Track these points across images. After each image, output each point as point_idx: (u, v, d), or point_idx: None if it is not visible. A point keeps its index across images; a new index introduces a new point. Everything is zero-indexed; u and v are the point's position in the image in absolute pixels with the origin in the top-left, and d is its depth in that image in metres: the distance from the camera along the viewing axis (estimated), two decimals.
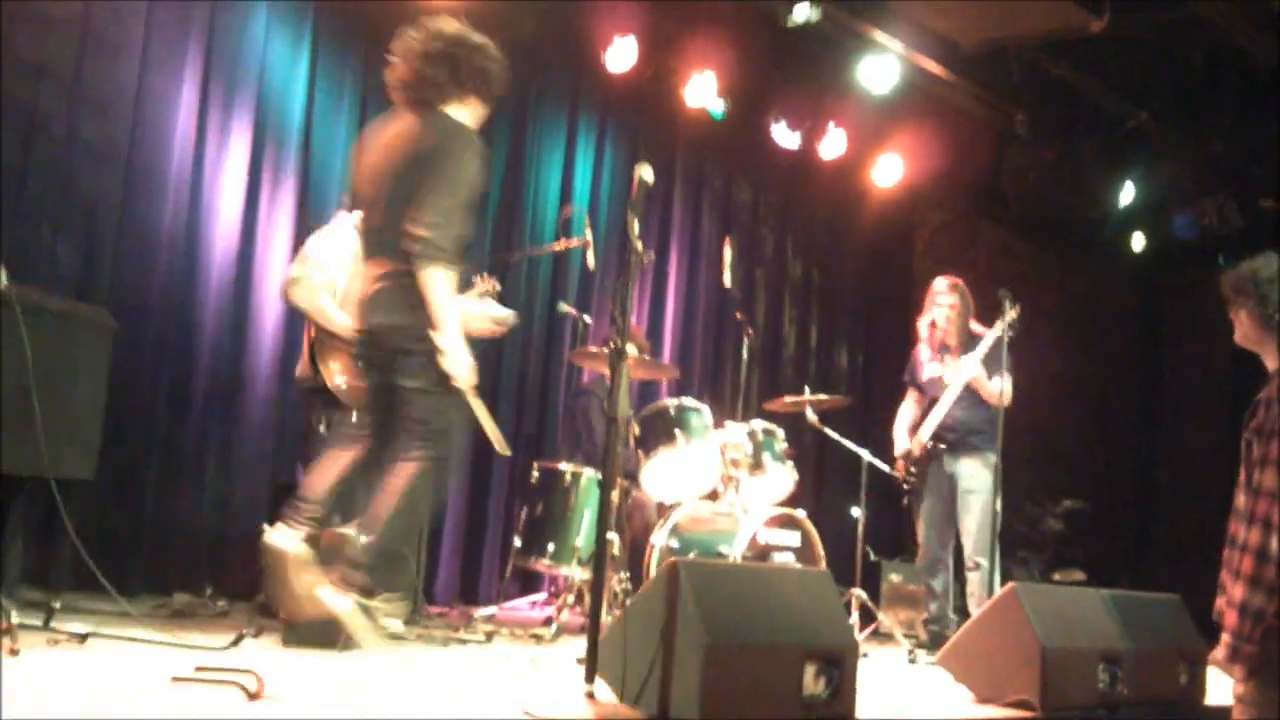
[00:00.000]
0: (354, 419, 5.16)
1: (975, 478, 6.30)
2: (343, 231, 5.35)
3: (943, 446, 6.39)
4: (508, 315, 5.29)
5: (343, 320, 5.18)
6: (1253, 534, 3.34)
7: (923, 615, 6.72)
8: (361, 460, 4.45)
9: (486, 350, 7.27)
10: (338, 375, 5.18)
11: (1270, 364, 3.63)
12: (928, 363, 6.62)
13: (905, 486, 6.53)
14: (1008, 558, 6.49)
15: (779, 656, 3.68)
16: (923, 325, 6.68)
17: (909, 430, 6.63)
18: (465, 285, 5.76)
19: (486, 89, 4.46)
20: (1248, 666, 3.42)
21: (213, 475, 6.19)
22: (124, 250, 5.86)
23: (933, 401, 6.51)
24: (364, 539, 4.20)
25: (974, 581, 6.27)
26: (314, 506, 4.31)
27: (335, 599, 4.15)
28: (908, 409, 6.73)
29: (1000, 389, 6.17)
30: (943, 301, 6.55)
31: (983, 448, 6.24)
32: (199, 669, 3.32)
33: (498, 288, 5.75)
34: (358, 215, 4.70)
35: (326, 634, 4.49)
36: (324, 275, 5.21)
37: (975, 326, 6.53)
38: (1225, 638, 3.39)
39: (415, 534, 5.22)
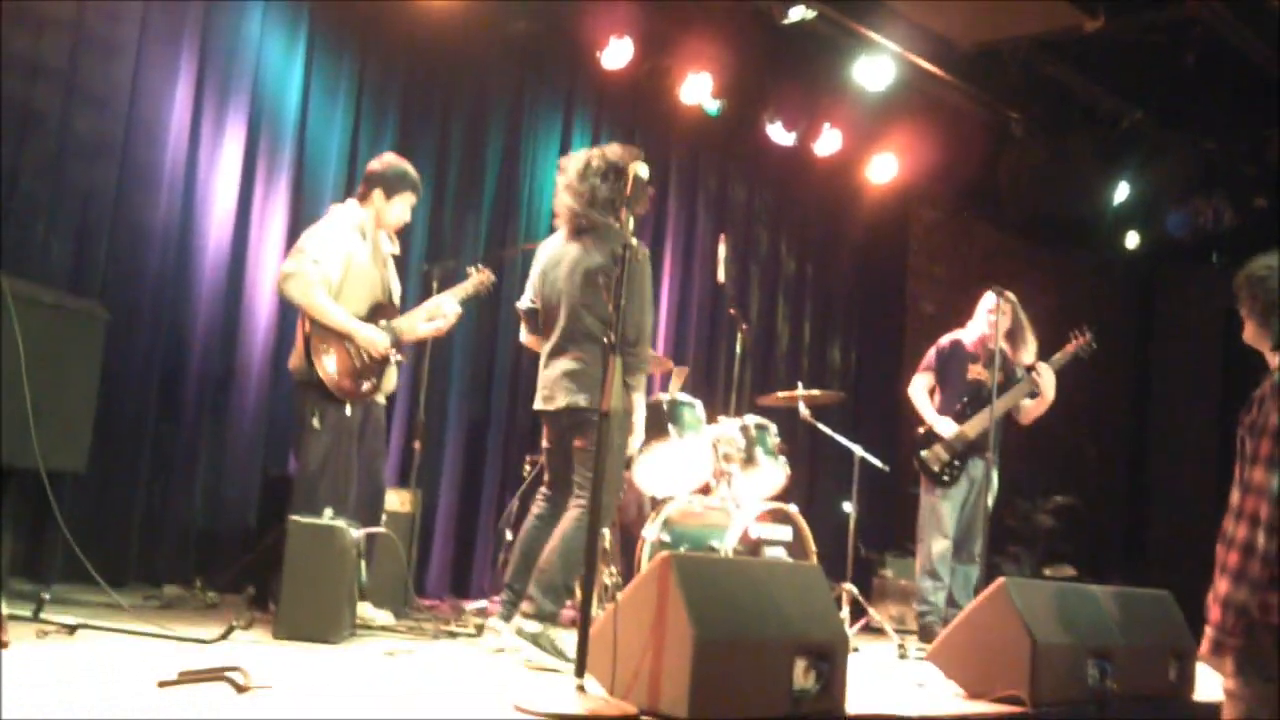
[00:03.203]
0: (347, 412, 5.19)
1: (996, 481, 6.42)
2: (337, 225, 5.35)
3: (989, 455, 6.39)
4: (442, 307, 5.57)
5: (337, 315, 5.20)
6: (1240, 529, 3.36)
7: (915, 609, 6.73)
8: None
9: (480, 344, 7.31)
10: (332, 370, 5.18)
11: (1272, 361, 3.65)
12: (973, 364, 6.65)
13: (945, 478, 6.50)
14: (998, 553, 6.51)
15: (769, 651, 3.69)
16: (971, 333, 6.72)
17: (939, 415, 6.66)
18: (460, 277, 5.79)
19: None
20: (1237, 660, 3.43)
21: (204, 468, 6.19)
22: (118, 245, 5.85)
23: (968, 400, 6.56)
24: None
25: (976, 576, 6.27)
26: None
27: None
28: (925, 393, 6.74)
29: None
30: (997, 313, 6.54)
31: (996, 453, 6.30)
32: (183, 674, 3.30)
33: (492, 278, 5.76)
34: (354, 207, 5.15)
35: (316, 627, 4.52)
36: (319, 270, 5.16)
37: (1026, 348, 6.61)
38: (1209, 631, 3.41)
39: None
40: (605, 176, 4.88)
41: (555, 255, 5.05)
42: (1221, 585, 3.34)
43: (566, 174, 4.98)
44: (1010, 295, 6.61)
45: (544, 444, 5.21)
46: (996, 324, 6.53)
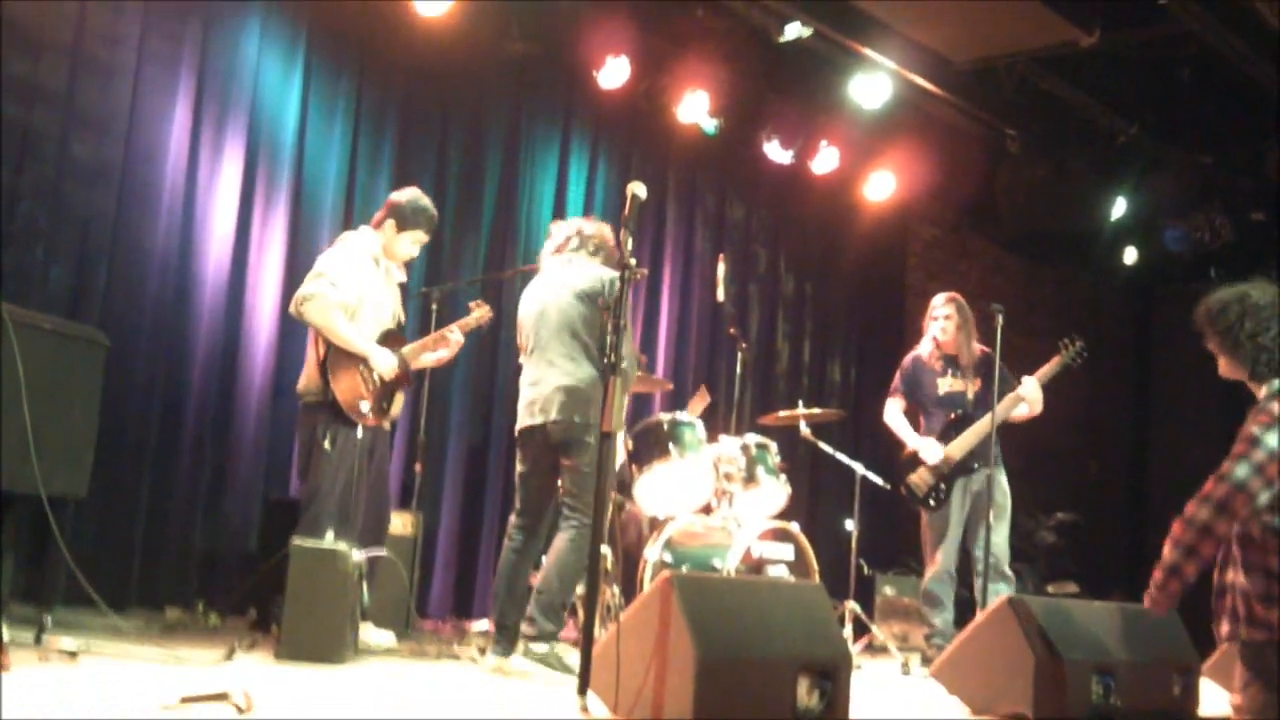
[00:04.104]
0: (358, 435, 5.20)
1: (1003, 491, 6.34)
2: (353, 252, 5.37)
3: (975, 466, 6.33)
4: (447, 337, 5.62)
5: (354, 337, 5.22)
6: (1191, 503, 3.61)
7: (919, 629, 6.69)
8: None
9: (480, 366, 7.31)
10: (347, 392, 5.19)
11: (1258, 393, 3.67)
12: (940, 378, 6.58)
13: (932, 503, 6.41)
14: None
15: (772, 670, 3.69)
16: (926, 341, 6.66)
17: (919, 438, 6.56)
18: (458, 302, 5.81)
19: None
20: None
21: (205, 490, 6.18)
22: (117, 269, 5.86)
23: (953, 416, 6.48)
24: None
25: (1005, 592, 6.19)
26: None
27: None
28: (901, 416, 6.68)
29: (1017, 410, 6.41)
30: (939, 314, 6.58)
31: (999, 461, 6.23)
32: (185, 697, 3.29)
33: (491, 314, 5.77)
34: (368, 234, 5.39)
35: (318, 649, 4.51)
36: (338, 294, 5.18)
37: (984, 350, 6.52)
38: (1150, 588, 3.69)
39: None
40: (577, 229, 5.28)
41: (535, 286, 5.29)
42: (1164, 549, 3.67)
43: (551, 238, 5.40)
44: (957, 296, 6.61)
45: (519, 468, 5.18)
46: (944, 329, 6.51)
